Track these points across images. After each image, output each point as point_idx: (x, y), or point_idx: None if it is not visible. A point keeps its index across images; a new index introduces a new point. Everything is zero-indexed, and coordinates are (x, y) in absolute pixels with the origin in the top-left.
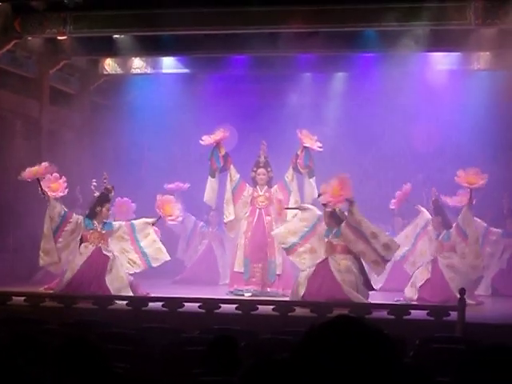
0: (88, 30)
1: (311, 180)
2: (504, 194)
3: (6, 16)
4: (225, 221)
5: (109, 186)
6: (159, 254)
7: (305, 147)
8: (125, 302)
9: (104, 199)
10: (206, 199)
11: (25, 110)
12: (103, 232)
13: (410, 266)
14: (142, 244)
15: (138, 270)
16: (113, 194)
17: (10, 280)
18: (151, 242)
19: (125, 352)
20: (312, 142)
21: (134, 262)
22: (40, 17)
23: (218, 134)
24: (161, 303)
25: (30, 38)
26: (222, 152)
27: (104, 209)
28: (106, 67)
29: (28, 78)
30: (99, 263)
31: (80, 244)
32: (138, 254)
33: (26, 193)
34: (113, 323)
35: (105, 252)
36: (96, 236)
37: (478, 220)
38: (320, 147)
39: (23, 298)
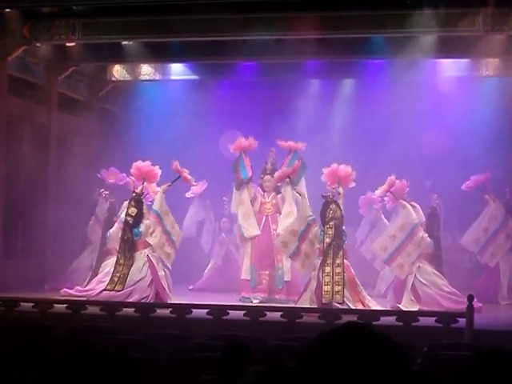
0: (97, 36)
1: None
2: (506, 190)
3: (15, 22)
4: (247, 235)
5: (138, 191)
6: (178, 236)
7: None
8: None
9: (142, 204)
10: (233, 210)
11: (33, 116)
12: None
13: (398, 270)
14: (168, 229)
15: (170, 263)
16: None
17: (18, 286)
18: (172, 224)
19: None
20: (296, 145)
21: (169, 255)
22: (49, 23)
23: (244, 142)
24: (169, 310)
25: (38, 45)
26: (248, 162)
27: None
28: (114, 73)
29: (37, 85)
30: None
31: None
32: (169, 242)
33: (34, 198)
34: (121, 329)
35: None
36: (143, 244)
37: None
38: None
39: (31, 304)
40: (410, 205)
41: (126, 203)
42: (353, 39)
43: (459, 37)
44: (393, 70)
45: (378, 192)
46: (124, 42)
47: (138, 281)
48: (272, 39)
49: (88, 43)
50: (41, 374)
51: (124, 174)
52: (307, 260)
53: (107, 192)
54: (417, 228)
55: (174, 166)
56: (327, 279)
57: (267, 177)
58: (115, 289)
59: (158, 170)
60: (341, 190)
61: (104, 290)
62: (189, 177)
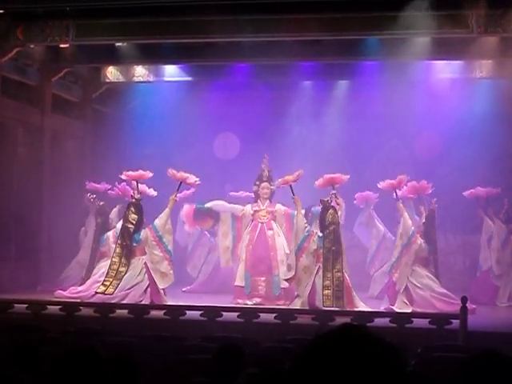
0: (90, 37)
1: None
2: (505, 200)
3: (9, 23)
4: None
5: (138, 196)
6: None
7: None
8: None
9: (142, 209)
10: None
11: (27, 118)
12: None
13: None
14: (169, 248)
15: (168, 284)
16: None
17: (12, 287)
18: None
19: None
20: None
21: (166, 275)
22: (42, 24)
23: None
24: (163, 311)
25: (32, 46)
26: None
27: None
28: (108, 75)
29: (30, 86)
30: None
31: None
32: (167, 259)
33: (28, 200)
34: (114, 331)
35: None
36: (142, 250)
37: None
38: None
39: (25, 306)
40: (420, 211)
41: (115, 210)
42: (347, 41)
43: (453, 38)
44: (387, 71)
45: (383, 184)
46: (118, 44)
47: (135, 285)
48: (266, 41)
49: (82, 45)
50: (35, 375)
51: (107, 185)
52: (304, 274)
53: (94, 196)
54: (414, 237)
55: (169, 173)
56: (327, 283)
57: (264, 184)
58: (106, 292)
59: (146, 173)
60: (341, 201)
61: (96, 292)
62: (189, 179)
